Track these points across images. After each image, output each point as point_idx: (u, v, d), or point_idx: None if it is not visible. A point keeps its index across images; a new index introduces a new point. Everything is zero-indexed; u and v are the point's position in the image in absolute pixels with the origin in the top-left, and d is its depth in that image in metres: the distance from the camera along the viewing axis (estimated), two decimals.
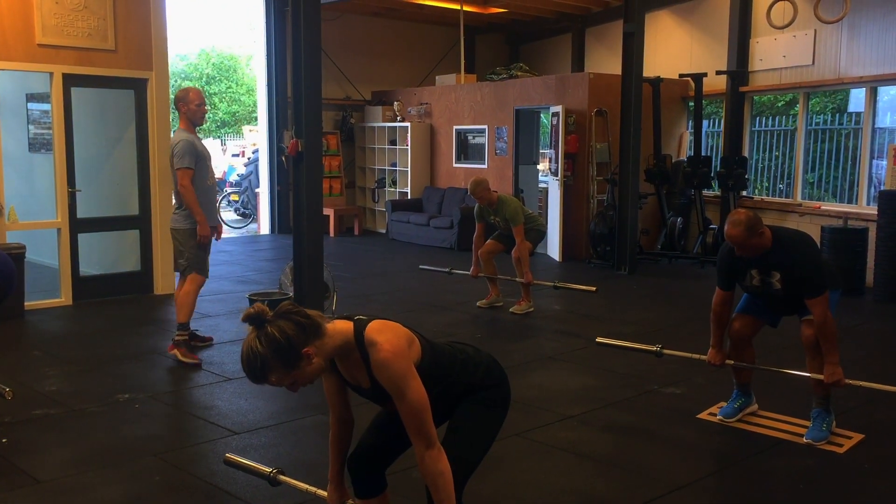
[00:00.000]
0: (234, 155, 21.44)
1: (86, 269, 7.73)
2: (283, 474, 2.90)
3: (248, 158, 17.67)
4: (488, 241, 7.36)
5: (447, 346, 2.66)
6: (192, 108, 5.64)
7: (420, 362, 2.43)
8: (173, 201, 5.85)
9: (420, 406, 2.33)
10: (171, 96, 7.06)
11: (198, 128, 5.79)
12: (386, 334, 2.36)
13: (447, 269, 7.81)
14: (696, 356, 4.48)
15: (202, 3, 23.91)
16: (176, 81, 27.19)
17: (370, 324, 2.39)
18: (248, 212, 15.94)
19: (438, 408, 2.45)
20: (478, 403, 2.61)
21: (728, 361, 4.36)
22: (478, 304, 7.52)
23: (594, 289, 7.02)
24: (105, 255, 8.15)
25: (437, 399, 2.45)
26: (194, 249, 5.66)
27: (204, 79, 28.43)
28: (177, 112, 5.81)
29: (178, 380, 5.27)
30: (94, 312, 7.25)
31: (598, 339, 4.88)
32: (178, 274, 5.93)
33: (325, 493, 2.73)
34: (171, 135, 5.80)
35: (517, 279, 7.23)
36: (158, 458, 3.95)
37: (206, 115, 5.94)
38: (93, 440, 4.21)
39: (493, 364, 2.71)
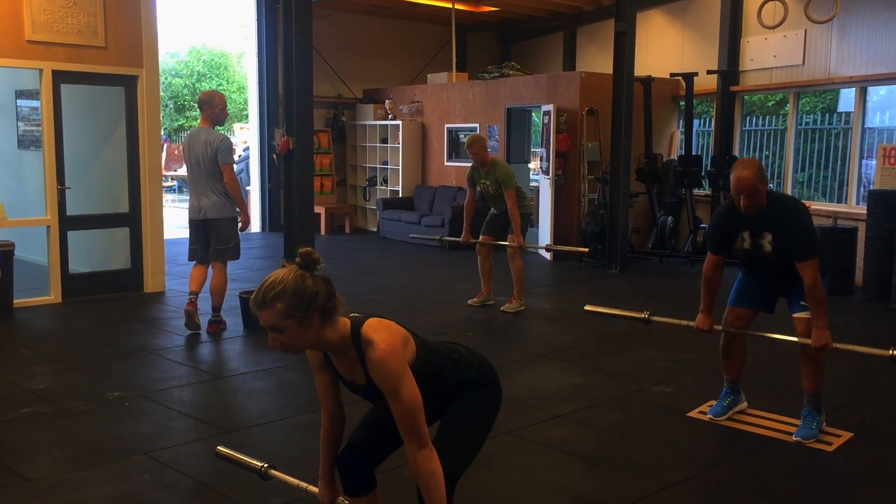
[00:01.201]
0: None
1: (75, 267, 7.70)
2: (275, 469, 2.89)
3: (239, 156, 17.63)
4: (481, 235, 7.34)
5: (440, 345, 2.66)
6: (217, 111, 6.26)
7: (414, 361, 2.44)
8: (212, 194, 6.23)
9: (413, 406, 2.33)
10: (161, 93, 7.08)
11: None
12: (382, 333, 2.36)
13: (437, 238, 7.92)
14: (685, 322, 4.44)
15: (193, 0, 23.83)
16: (166, 79, 27.10)
17: (367, 321, 2.39)
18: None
19: (430, 407, 2.45)
20: (470, 403, 2.62)
21: (716, 326, 4.33)
22: (469, 302, 7.52)
23: (587, 249, 7.31)
24: (95, 252, 8.12)
25: (430, 398, 2.45)
26: (237, 237, 6.33)
27: (195, 76, 28.32)
28: (199, 112, 6.40)
29: (168, 378, 5.25)
30: (84, 310, 7.22)
31: (587, 307, 4.79)
32: (192, 262, 6.48)
33: (315, 490, 2.72)
34: (205, 133, 6.28)
35: (508, 245, 7.13)
36: (148, 457, 3.93)
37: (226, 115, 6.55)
38: (82, 438, 4.19)
39: (486, 364, 2.72)
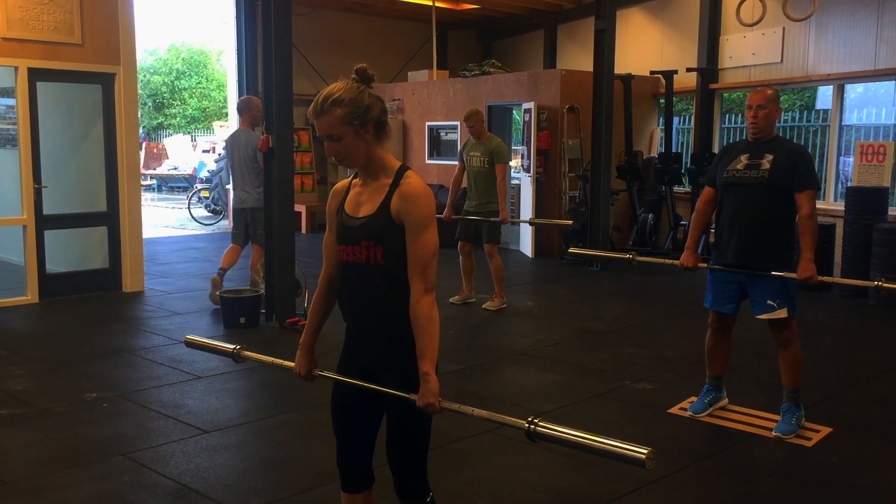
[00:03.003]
0: (204, 151, 21.27)
1: (52, 267, 7.62)
2: (247, 350, 2.83)
3: (219, 155, 17.51)
4: (460, 242, 7.34)
5: None
6: (255, 113, 7.18)
7: None
8: (250, 187, 7.14)
9: (432, 250, 2.36)
10: (140, 91, 7.09)
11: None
12: (426, 187, 2.42)
13: None
14: (669, 261, 4.47)
15: None
16: (144, 76, 26.90)
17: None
18: (218, 208, 15.81)
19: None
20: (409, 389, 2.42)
21: (701, 264, 4.34)
22: (450, 300, 7.51)
23: (570, 222, 7.25)
24: (72, 252, 8.04)
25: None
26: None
27: (174, 74, 28.14)
28: (239, 115, 7.40)
29: (147, 378, 5.21)
30: (62, 310, 7.15)
31: (571, 249, 4.76)
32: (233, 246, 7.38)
33: (291, 364, 2.64)
34: (244, 135, 7.25)
35: (491, 220, 7.07)
36: (127, 458, 3.90)
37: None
38: (60, 440, 4.15)
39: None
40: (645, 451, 1.99)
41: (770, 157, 4.08)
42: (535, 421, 2.15)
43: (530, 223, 7.19)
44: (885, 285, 3.85)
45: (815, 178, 4.08)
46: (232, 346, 2.85)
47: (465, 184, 7.40)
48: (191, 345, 3.02)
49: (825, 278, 3.99)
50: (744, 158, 4.16)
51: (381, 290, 2.41)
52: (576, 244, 9.81)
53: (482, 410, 2.24)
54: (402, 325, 2.39)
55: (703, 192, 4.36)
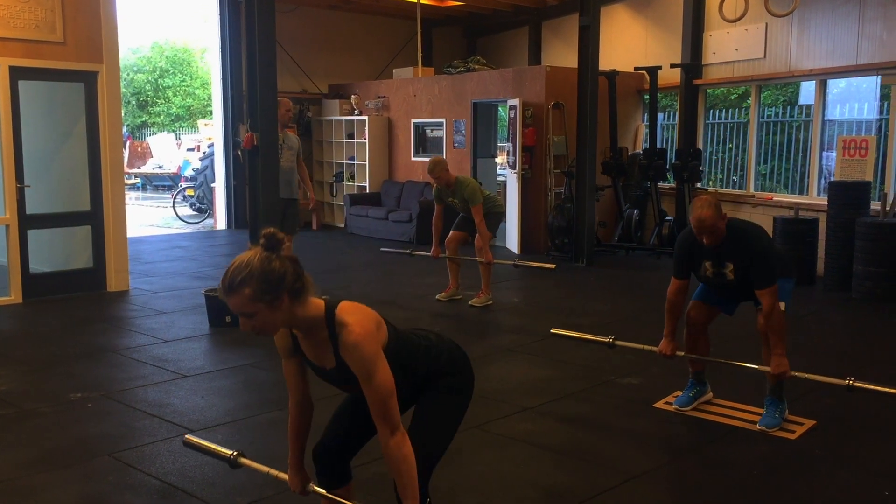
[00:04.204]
0: (189, 149, 21.16)
1: (36, 267, 7.56)
2: (244, 456, 2.86)
3: (204, 153, 17.44)
4: (452, 231, 7.36)
5: (411, 332, 2.65)
6: (281, 111, 7.67)
7: (386, 346, 2.42)
8: (293, 182, 7.78)
9: (387, 390, 2.31)
10: (123, 89, 7.06)
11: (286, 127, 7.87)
12: (356, 315, 2.34)
13: (408, 251, 7.88)
14: (648, 347, 4.52)
15: None
16: (128, 75, 26.73)
17: (340, 304, 2.37)
18: (203, 207, 15.75)
19: (402, 394, 2.44)
20: (442, 392, 2.61)
21: (679, 353, 4.41)
22: (437, 297, 7.52)
23: (553, 266, 7.17)
24: (56, 251, 7.98)
25: (401, 385, 2.44)
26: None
27: (157, 72, 27.97)
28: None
29: (132, 378, 5.19)
30: (45, 310, 7.10)
31: (553, 330, 4.90)
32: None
33: (286, 477, 2.71)
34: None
35: (477, 259, 7.20)
36: (112, 458, 3.88)
37: (291, 117, 8.24)
38: (45, 440, 4.13)
39: (456, 350, 2.70)
40: None
41: (731, 265, 4.14)
42: None
43: (514, 265, 7.25)
44: (857, 384, 3.88)
45: (773, 274, 4.06)
46: (230, 452, 2.88)
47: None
48: (189, 445, 3.05)
49: (798, 374, 4.06)
50: (708, 265, 4.22)
51: None
52: (561, 240, 9.85)
53: None
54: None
55: (673, 283, 4.35)
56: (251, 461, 2.85)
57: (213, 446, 3.00)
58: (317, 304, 2.37)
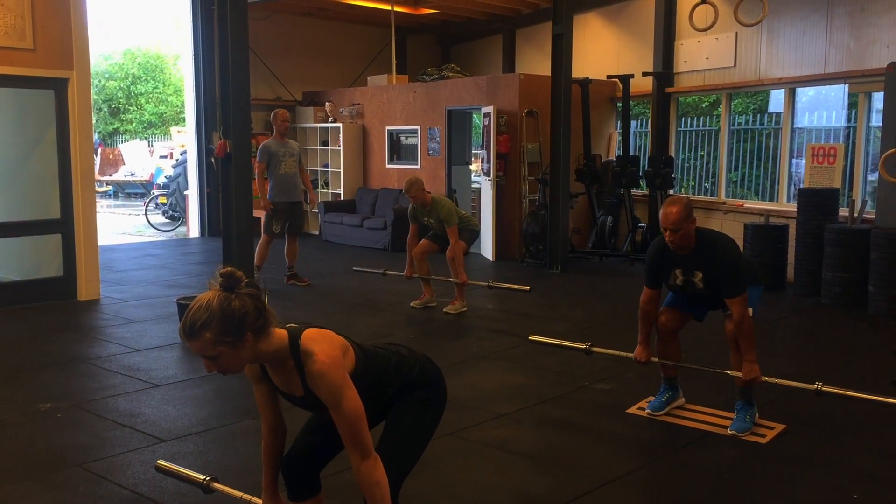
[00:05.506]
0: (161, 157, 20.98)
1: (5, 275, 7.47)
2: (217, 482, 2.85)
3: (177, 160, 17.32)
4: (422, 241, 7.37)
5: (381, 348, 2.65)
6: (277, 122, 8.25)
7: (354, 370, 2.43)
8: (298, 185, 8.45)
9: (356, 416, 2.31)
10: (95, 96, 7.01)
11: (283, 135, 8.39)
12: (321, 344, 2.33)
13: (381, 271, 7.82)
14: (624, 353, 4.57)
15: (127, 0, 23.33)
16: (100, 81, 26.48)
17: (305, 332, 2.36)
18: (176, 214, 15.63)
19: (374, 410, 2.44)
20: (413, 404, 2.62)
21: (653, 359, 4.46)
22: (411, 304, 7.51)
23: (528, 288, 7.08)
24: (25, 260, 7.88)
25: (373, 403, 2.44)
26: (268, 217, 8.26)
27: (129, 79, 27.73)
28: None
29: (103, 388, 5.13)
30: (14, 319, 7.00)
31: (531, 337, 4.95)
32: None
33: (259, 502, 2.69)
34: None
35: (451, 279, 7.26)
36: (82, 469, 3.83)
37: (287, 127, 8.53)
38: (13, 451, 4.07)
39: (428, 364, 2.71)
40: None
41: (700, 274, 4.19)
42: None
43: (489, 286, 7.25)
44: (825, 389, 3.96)
45: (742, 283, 4.11)
46: (202, 477, 2.85)
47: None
48: (161, 471, 3.02)
49: (768, 379, 4.13)
50: (678, 273, 4.27)
51: None
52: (536, 247, 9.89)
53: None
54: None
55: (645, 292, 4.40)
56: (224, 486, 2.83)
57: (186, 471, 2.97)
58: (280, 335, 2.36)
